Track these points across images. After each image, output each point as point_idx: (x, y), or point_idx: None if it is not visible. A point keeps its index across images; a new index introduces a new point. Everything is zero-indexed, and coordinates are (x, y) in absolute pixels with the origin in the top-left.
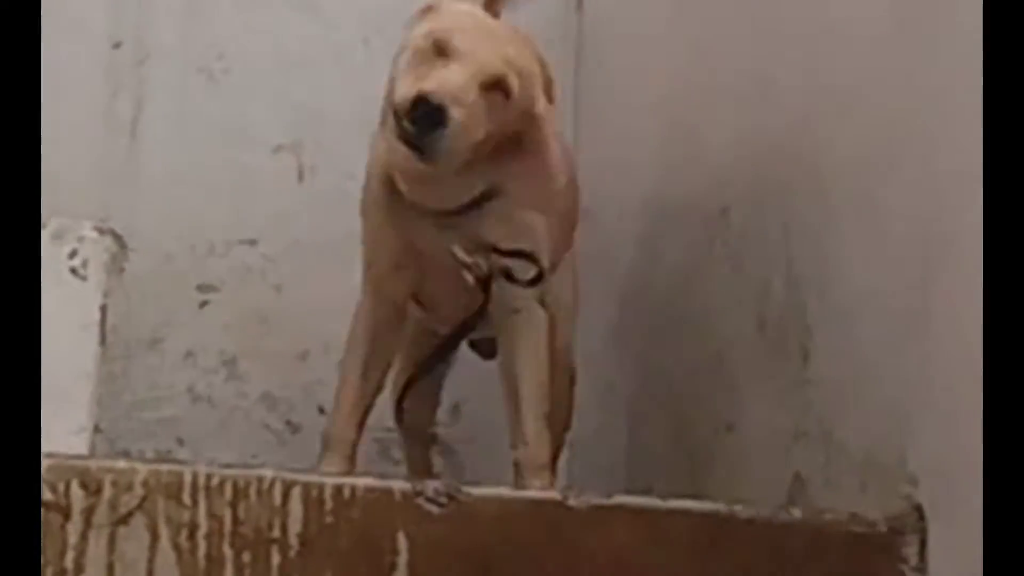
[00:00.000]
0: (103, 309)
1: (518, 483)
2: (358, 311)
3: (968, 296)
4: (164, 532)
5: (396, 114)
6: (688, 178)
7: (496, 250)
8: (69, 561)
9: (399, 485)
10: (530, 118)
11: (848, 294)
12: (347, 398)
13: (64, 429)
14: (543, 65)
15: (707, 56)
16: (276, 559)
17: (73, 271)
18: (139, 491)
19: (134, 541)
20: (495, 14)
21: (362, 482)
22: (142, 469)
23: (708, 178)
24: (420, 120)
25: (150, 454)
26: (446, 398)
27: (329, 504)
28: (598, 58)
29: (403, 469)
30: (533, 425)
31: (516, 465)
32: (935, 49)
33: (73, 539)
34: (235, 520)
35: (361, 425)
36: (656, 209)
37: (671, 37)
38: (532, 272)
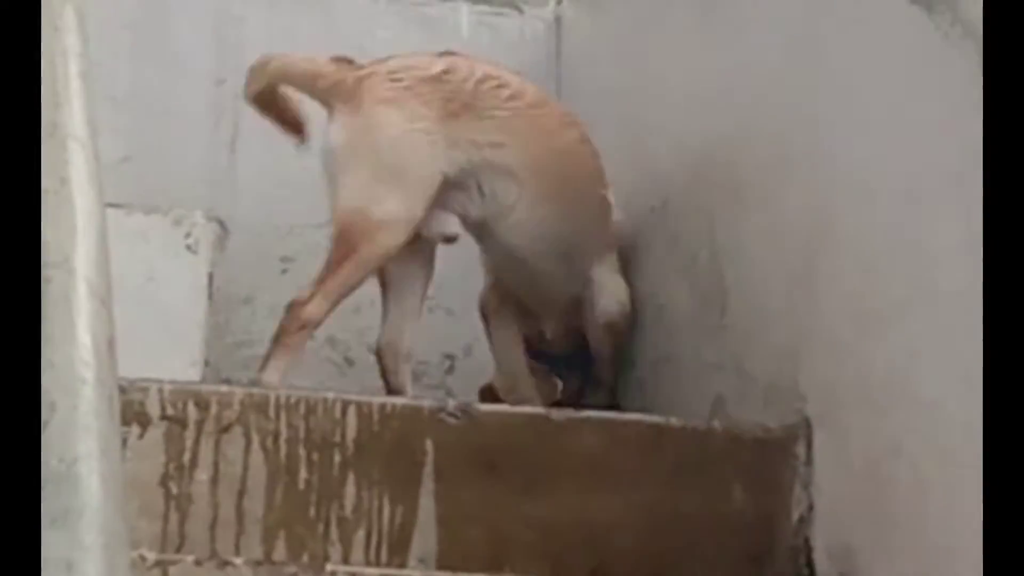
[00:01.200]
0: (210, 276)
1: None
2: None
3: (843, 265)
4: (255, 438)
5: None
6: (638, 176)
7: None
8: (186, 460)
9: (427, 403)
10: None
11: (755, 263)
12: None
13: (182, 363)
14: None
15: (651, 87)
16: (337, 458)
17: (188, 248)
18: (237, 408)
19: (233, 445)
20: None
21: (400, 401)
22: (239, 392)
23: (653, 176)
24: None
25: (244, 381)
26: None
27: (376, 417)
28: (574, 83)
29: (430, 392)
30: None
31: None
32: (818, 82)
33: (188, 443)
34: (307, 429)
35: None
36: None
37: (628, 69)
38: None
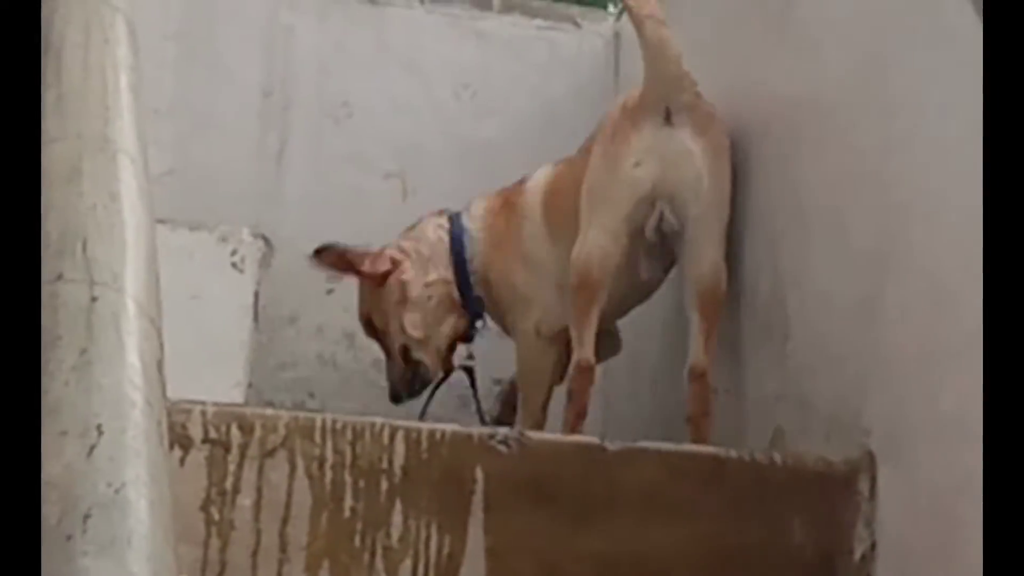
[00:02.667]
0: (256, 294)
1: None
2: None
3: (912, 293)
4: (300, 463)
5: None
6: None
7: None
8: (228, 484)
9: (477, 430)
10: None
11: (819, 290)
12: None
13: (225, 384)
14: None
15: (715, 102)
16: (384, 485)
17: (234, 265)
18: (282, 432)
19: (277, 470)
20: None
21: (449, 428)
22: (284, 415)
23: None
24: None
25: (289, 404)
26: None
27: (424, 444)
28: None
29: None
30: None
31: None
32: (888, 101)
33: (232, 467)
34: (354, 455)
35: None
36: None
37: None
38: None
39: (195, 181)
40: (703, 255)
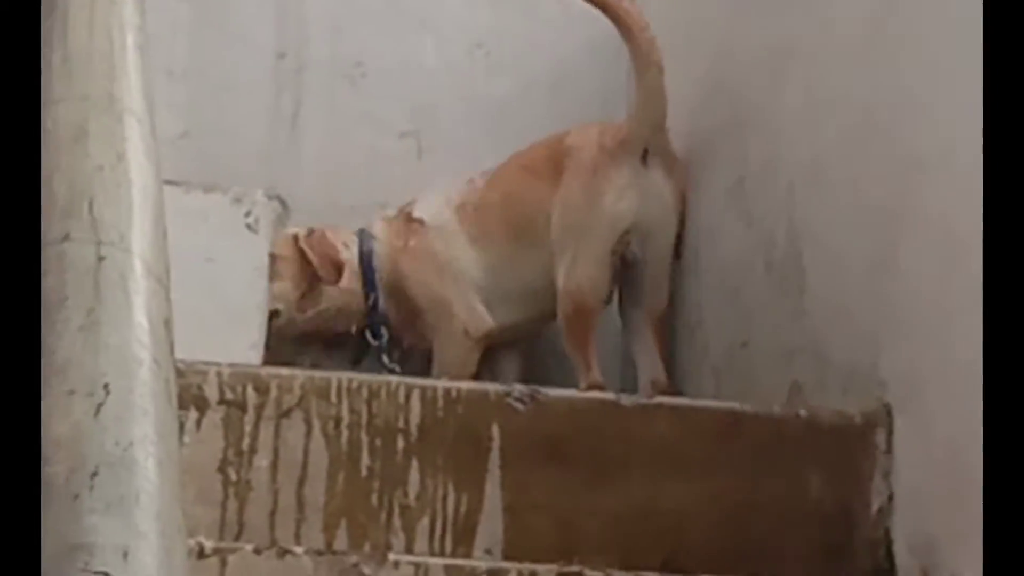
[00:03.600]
0: (271, 256)
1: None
2: None
3: (927, 245)
4: (316, 423)
5: None
6: (711, 154)
7: None
8: (245, 445)
9: (493, 387)
10: None
11: (835, 243)
12: None
13: (241, 345)
14: None
15: (726, 57)
16: (400, 444)
17: (248, 227)
18: (298, 392)
19: (294, 430)
20: None
21: (464, 385)
22: (300, 375)
23: (728, 153)
24: None
25: (305, 364)
26: None
27: (440, 402)
28: None
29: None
30: None
31: None
32: (902, 53)
33: (248, 428)
34: (370, 414)
35: None
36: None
37: (702, 36)
38: None
39: (209, 143)
40: (662, 286)
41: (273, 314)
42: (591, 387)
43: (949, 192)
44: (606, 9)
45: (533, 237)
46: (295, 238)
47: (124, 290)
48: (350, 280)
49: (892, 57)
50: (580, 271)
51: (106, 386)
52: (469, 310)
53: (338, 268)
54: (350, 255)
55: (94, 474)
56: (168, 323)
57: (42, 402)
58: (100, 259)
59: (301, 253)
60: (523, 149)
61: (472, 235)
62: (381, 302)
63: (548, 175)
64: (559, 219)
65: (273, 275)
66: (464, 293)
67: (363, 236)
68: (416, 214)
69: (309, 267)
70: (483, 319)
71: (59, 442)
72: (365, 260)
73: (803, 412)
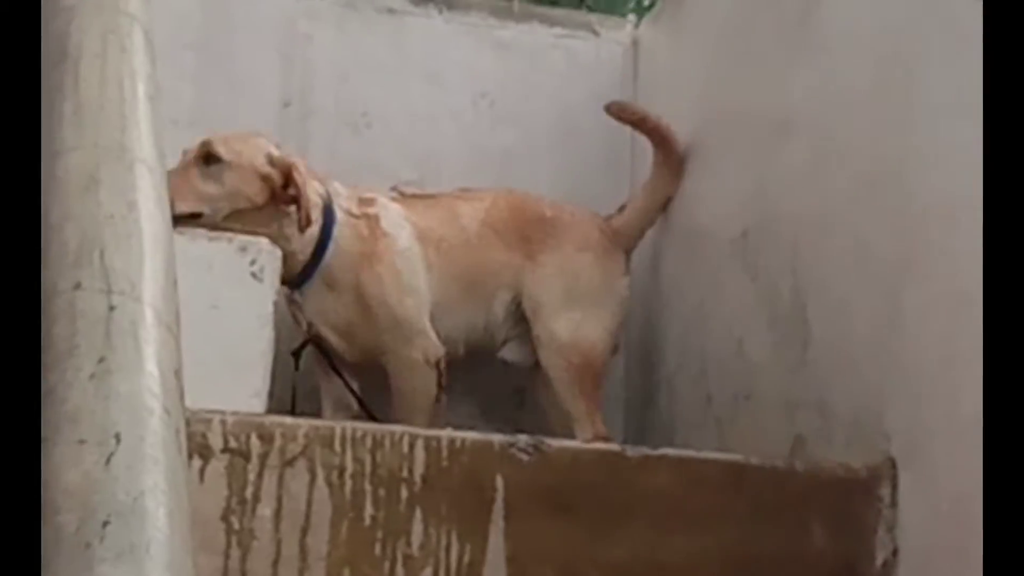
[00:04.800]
0: (275, 304)
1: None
2: None
3: (931, 299)
4: (320, 472)
5: None
6: (717, 205)
7: None
8: (248, 494)
9: (497, 438)
10: None
11: (839, 296)
12: None
13: (245, 394)
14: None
15: (732, 111)
16: (404, 494)
17: (253, 275)
18: (301, 441)
19: (298, 479)
20: None
21: (469, 436)
22: (304, 424)
23: (734, 204)
24: None
25: (309, 413)
26: None
27: (444, 452)
28: (651, 108)
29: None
30: None
31: None
32: (907, 105)
33: (252, 477)
34: (374, 463)
35: None
36: (689, 232)
37: (708, 92)
38: None
39: None
40: None
41: (196, 216)
42: (597, 438)
43: (953, 247)
44: (643, 124)
45: (479, 296)
46: (271, 156)
47: (135, 339)
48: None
49: (896, 112)
50: (592, 330)
51: (117, 435)
52: (427, 335)
53: (309, 220)
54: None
55: (105, 523)
56: (178, 372)
57: (53, 451)
58: (111, 308)
59: (284, 176)
60: (480, 193)
61: (429, 264)
62: (313, 283)
63: (517, 245)
64: (567, 282)
65: (221, 178)
66: (423, 318)
67: (328, 212)
68: (384, 226)
69: (282, 192)
70: (438, 346)
71: (70, 491)
72: (322, 238)
73: (807, 465)
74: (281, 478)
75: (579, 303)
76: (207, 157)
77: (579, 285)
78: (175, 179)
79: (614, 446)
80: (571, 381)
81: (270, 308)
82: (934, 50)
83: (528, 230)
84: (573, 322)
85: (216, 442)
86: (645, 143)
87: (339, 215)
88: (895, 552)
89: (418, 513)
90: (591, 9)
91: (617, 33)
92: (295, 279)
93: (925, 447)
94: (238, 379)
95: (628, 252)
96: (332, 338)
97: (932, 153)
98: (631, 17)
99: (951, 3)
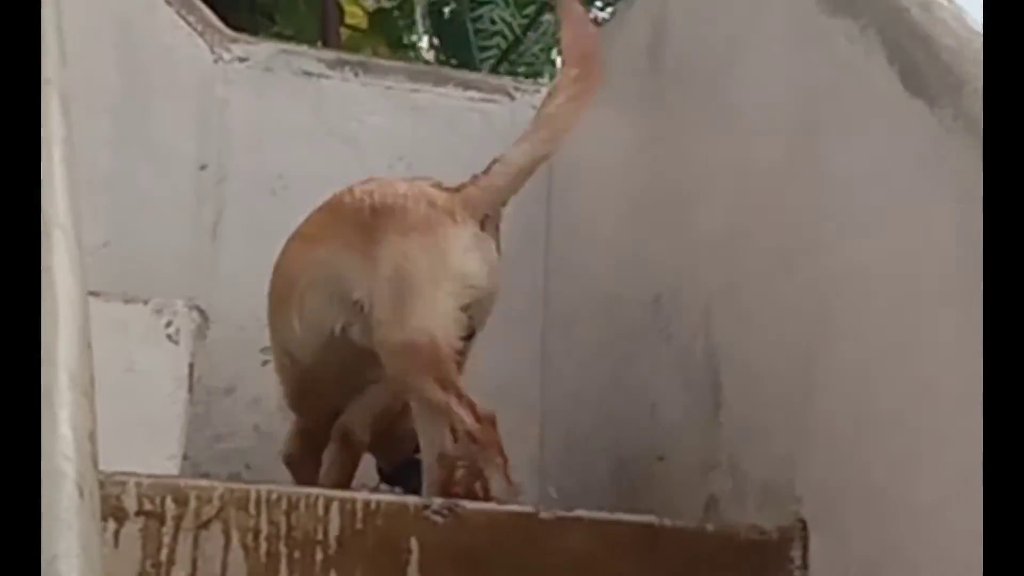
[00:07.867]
0: (191, 366)
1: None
2: None
3: (842, 364)
4: (235, 535)
5: None
6: (631, 270)
7: None
8: (163, 557)
9: (412, 500)
10: None
11: (752, 361)
12: None
13: (160, 456)
14: None
15: (645, 180)
16: (319, 556)
17: (169, 337)
18: (216, 503)
19: (212, 541)
20: None
21: (384, 498)
22: (219, 487)
23: (648, 270)
24: None
25: (224, 476)
26: None
27: (359, 515)
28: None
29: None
30: None
31: None
32: (818, 176)
33: (166, 539)
34: (288, 526)
35: None
36: (604, 297)
37: (622, 160)
38: None
39: (130, 254)
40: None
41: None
42: (468, 433)
43: (864, 314)
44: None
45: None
46: None
47: (49, 403)
48: None
49: (809, 182)
50: (419, 320)
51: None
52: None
53: None
54: None
55: None
56: (92, 436)
57: None
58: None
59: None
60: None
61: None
62: None
63: (360, 247)
64: (385, 274)
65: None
66: None
67: None
68: None
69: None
70: None
71: None
72: None
73: (719, 527)
74: (196, 541)
75: (407, 295)
76: None
77: (403, 275)
78: None
79: (528, 507)
80: (425, 382)
81: (186, 370)
82: (846, 121)
83: (363, 228)
84: (398, 319)
85: (131, 505)
86: (559, 207)
87: None
88: None
89: (333, 575)
90: (507, 73)
91: (533, 97)
92: None
93: (836, 510)
94: (153, 441)
95: (489, 217)
96: None
97: (845, 223)
98: (546, 80)
99: (864, 74)
